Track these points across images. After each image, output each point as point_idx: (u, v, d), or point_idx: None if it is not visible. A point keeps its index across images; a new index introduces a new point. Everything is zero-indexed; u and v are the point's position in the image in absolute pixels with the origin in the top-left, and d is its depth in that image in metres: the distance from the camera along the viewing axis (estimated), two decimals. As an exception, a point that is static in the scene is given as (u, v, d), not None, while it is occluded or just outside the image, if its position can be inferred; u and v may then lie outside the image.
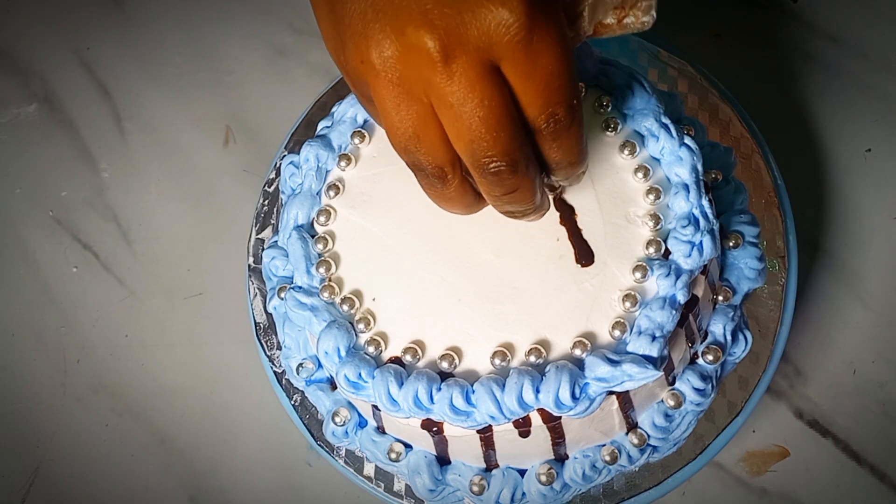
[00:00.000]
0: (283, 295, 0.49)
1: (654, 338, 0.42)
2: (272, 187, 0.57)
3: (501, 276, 0.45)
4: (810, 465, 0.56)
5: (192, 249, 0.66)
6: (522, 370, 0.42)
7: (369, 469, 0.51)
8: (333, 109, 0.51)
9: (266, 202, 0.57)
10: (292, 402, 0.53)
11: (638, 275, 0.43)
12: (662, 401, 0.47)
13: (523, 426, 0.43)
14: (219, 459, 0.60)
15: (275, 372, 0.53)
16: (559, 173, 0.40)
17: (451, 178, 0.38)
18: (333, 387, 0.49)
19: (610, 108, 0.47)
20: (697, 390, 0.46)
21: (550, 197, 0.45)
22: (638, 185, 0.46)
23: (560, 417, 0.43)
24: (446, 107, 0.35)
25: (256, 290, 0.55)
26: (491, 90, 0.35)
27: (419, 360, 0.44)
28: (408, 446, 0.47)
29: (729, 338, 0.48)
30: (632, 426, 0.46)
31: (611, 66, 0.48)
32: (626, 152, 0.46)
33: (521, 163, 0.37)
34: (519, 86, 0.36)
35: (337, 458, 0.51)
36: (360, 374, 0.43)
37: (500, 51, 0.34)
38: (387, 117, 0.37)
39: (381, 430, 0.48)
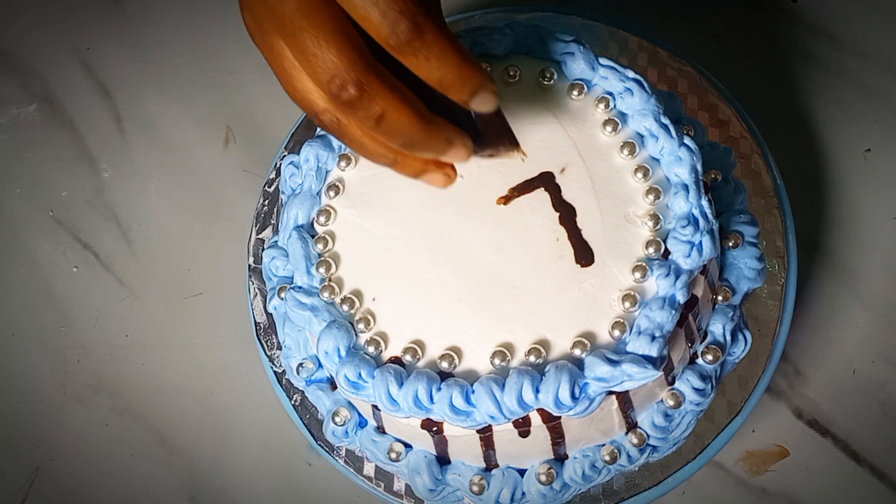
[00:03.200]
0: (283, 295, 0.49)
1: (653, 338, 0.42)
2: (272, 187, 0.57)
3: (501, 276, 0.45)
4: (810, 465, 0.57)
5: (192, 249, 0.66)
6: (522, 370, 0.42)
7: (369, 469, 0.51)
8: (333, 109, 0.51)
9: (266, 202, 0.57)
10: (292, 402, 0.53)
11: (637, 275, 0.43)
12: (662, 401, 0.47)
13: (523, 426, 0.43)
14: (219, 459, 0.60)
15: (275, 372, 0.54)
16: (452, 95, 0.38)
17: (343, 122, 0.38)
18: (333, 387, 0.49)
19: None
20: (697, 390, 0.46)
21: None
22: (637, 186, 0.46)
23: (560, 417, 0.43)
24: (287, 39, 0.36)
25: (256, 290, 0.55)
26: (314, 5, 0.35)
27: (419, 360, 0.44)
28: (408, 446, 0.47)
29: (728, 338, 0.48)
30: (631, 426, 0.47)
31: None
32: (626, 152, 0.46)
33: (367, 81, 0.36)
34: (343, 1, 0.35)
35: (337, 458, 0.51)
36: (360, 374, 0.43)
37: None
38: (275, 71, 0.37)
39: (381, 429, 0.48)
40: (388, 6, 0.35)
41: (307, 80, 0.37)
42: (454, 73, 0.37)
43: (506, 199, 0.46)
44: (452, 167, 0.43)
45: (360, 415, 0.48)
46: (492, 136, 0.42)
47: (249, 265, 0.56)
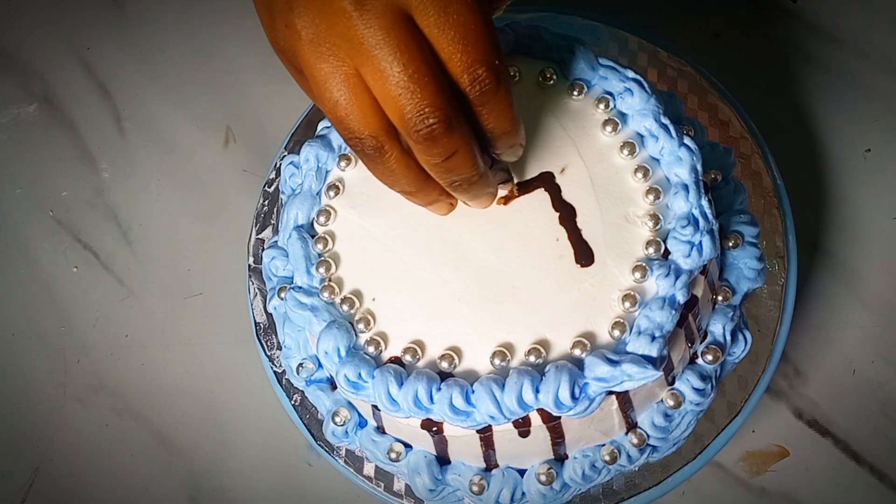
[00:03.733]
0: (283, 295, 0.49)
1: (653, 338, 0.42)
2: (272, 187, 0.57)
3: (501, 276, 0.45)
4: (810, 465, 0.57)
5: (192, 249, 0.66)
6: (522, 370, 0.42)
7: (369, 469, 0.51)
8: (333, 109, 0.51)
9: (266, 202, 0.57)
10: (292, 402, 0.53)
11: (637, 275, 0.43)
12: (662, 401, 0.47)
13: (523, 426, 0.43)
14: (219, 459, 0.60)
15: (275, 372, 0.54)
16: (498, 145, 0.40)
17: (388, 149, 0.38)
18: (333, 387, 0.49)
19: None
20: (697, 390, 0.46)
21: (504, 191, 0.46)
22: (637, 186, 0.46)
23: (559, 417, 0.43)
24: (367, 62, 0.36)
25: (256, 290, 0.55)
26: (406, 37, 0.35)
27: (419, 360, 0.44)
28: (408, 446, 0.47)
29: (728, 338, 0.48)
30: (631, 426, 0.47)
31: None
32: (626, 152, 0.46)
33: (454, 120, 0.37)
34: (433, 37, 0.36)
35: (337, 458, 0.51)
36: (360, 374, 0.43)
37: (410, 1, 0.35)
38: (315, 84, 0.37)
39: (381, 430, 0.48)
40: (478, 60, 0.36)
41: (354, 106, 0.37)
42: (508, 127, 0.39)
43: (506, 199, 0.46)
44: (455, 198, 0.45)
45: (360, 415, 0.48)
46: (502, 167, 0.45)
47: (249, 265, 0.56)
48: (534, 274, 0.45)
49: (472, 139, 0.38)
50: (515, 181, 0.46)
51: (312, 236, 0.48)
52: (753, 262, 0.49)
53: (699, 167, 0.46)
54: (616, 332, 0.43)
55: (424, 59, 0.36)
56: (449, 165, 0.38)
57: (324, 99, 0.37)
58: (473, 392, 0.42)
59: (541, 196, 0.46)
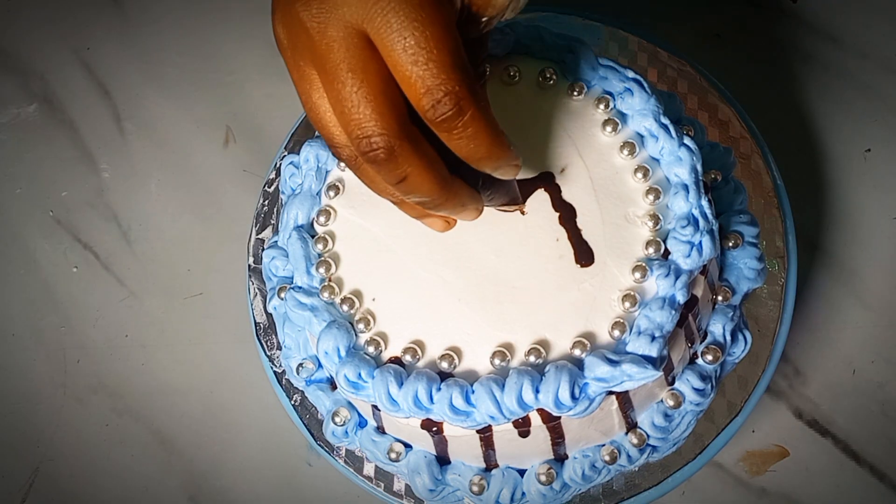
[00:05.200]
0: (283, 295, 0.49)
1: (653, 338, 0.42)
2: (272, 187, 0.57)
3: (501, 276, 0.45)
4: (810, 465, 0.57)
5: (192, 249, 0.66)
6: (522, 370, 0.42)
7: (369, 469, 0.51)
8: (333, 109, 0.51)
9: (266, 202, 0.57)
10: (292, 402, 0.53)
11: (637, 275, 0.43)
12: (662, 401, 0.47)
13: (523, 426, 0.43)
14: (219, 459, 0.60)
15: (275, 372, 0.54)
16: (480, 167, 0.38)
17: (359, 161, 0.37)
18: (333, 387, 0.49)
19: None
20: (697, 390, 0.46)
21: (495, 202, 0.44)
22: (637, 186, 0.46)
23: (559, 417, 0.43)
24: (321, 75, 0.35)
25: (256, 290, 0.55)
26: (359, 56, 0.34)
27: (419, 360, 0.44)
28: (408, 446, 0.47)
29: (728, 338, 0.48)
30: (631, 426, 0.47)
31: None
32: (626, 152, 0.46)
33: (400, 146, 0.35)
34: (387, 59, 0.34)
35: (337, 458, 0.51)
36: (360, 374, 0.43)
37: (366, 16, 0.33)
38: (295, 85, 0.37)
39: (381, 430, 0.48)
40: (435, 85, 0.34)
41: (325, 113, 0.36)
42: (483, 153, 0.37)
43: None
44: (481, 199, 0.43)
45: (360, 415, 0.48)
46: (500, 189, 0.43)
47: (249, 265, 0.56)
48: (534, 274, 0.45)
49: (431, 162, 0.36)
50: (525, 206, 0.46)
51: (312, 236, 0.48)
52: (753, 262, 0.49)
53: (699, 167, 0.46)
54: (616, 332, 0.43)
55: (374, 80, 0.34)
56: (403, 188, 0.37)
57: (301, 102, 0.37)
58: (473, 392, 0.42)
59: (541, 196, 0.46)
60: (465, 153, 0.37)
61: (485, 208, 0.46)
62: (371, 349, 0.44)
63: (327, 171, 0.49)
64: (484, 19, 0.38)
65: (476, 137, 0.36)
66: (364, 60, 0.34)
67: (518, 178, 0.47)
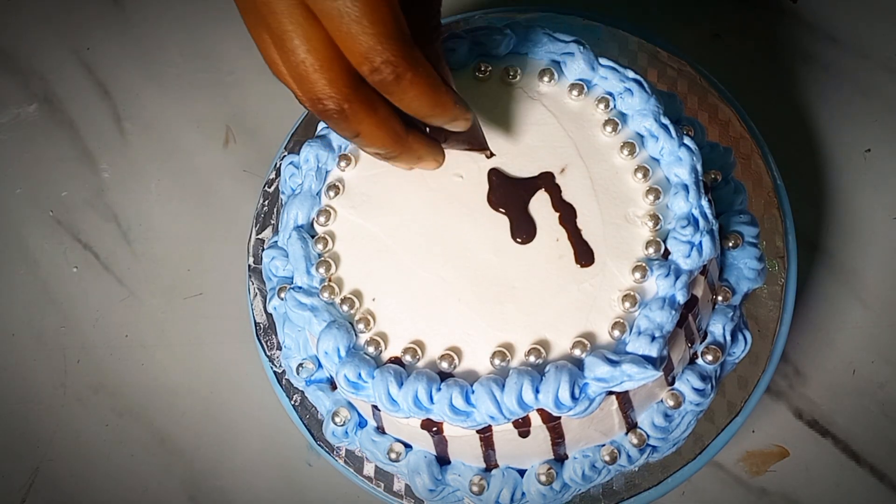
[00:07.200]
0: (283, 295, 0.49)
1: (653, 338, 0.42)
2: (272, 187, 0.57)
3: (501, 276, 0.45)
4: (810, 465, 0.57)
5: (192, 249, 0.66)
6: (522, 370, 0.42)
7: (369, 469, 0.51)
8: (333, 109, 0.51)
9: (266, 202, 0.57)
10: (292, 402, 0.53)
11: (637, 275, 0.43)
12: (662, 401, 0.47)
13: (523, 426, 0.43)
14: (219, 459, 0.60)
15: (275, 372, 0.54)
16: (429, 122, 0.40)
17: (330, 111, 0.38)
18: (333, 387, 0.49)
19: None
20: (697, 390, 0.46)
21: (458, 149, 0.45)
22: (637, 186, 0.46)
23: (559, 417, 0.43)
24: (275, 43, 0.36)
25: (256, 290, 0.55)
26: (302, 25, 0.35)
27: (419, 360, 0.44)
28: (408, 446, 0.47)
29: (728, 338, 0.48)
30: (631, 426, 0.47)
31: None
32: (626, 153, 0.46)
33: (351, 107, 0.37)
34: (325, 25, 0.35)
35: (337, 458, 0.51)
36: (360, 374, 0.43)
37: None
38: (258, 47, 0.38)
39: (381, 430, 0.48)
40: (371, 53, 0.35)
41: (284, 69, 0.37)
42: (426, 111, 0.39)
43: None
44: (440, 152, 0.45)
45: (360, 415, 0.48)
46: (459, 137, 0.44)
47: (249, 265, 0.56)
48: (534, 274, 0.45)
49: (383, 119, 0.39)
50: (489, 151, 0.46)
51: (312, 236, 0.48)
52: (753, 262, 0.49)
53: (699, 167, 0.46)
54: (616, 333, 0.43)
55: (320, 46, 0.36)
56: (359, 143, 0.40)
57: (269, 65, 0.38)
58: (473, 392, 0.42)
59: (541, 196, 0.46)
60: (411, 111, 0.39)
61: (485, 208, 0.46)
62: (371, 349, 0.44)
63: (327, 171, 0.49)
64: None
65: (419, 98, 0.38)
66: (308, 29, 0.36)
67: (518, 177, 0.47)
